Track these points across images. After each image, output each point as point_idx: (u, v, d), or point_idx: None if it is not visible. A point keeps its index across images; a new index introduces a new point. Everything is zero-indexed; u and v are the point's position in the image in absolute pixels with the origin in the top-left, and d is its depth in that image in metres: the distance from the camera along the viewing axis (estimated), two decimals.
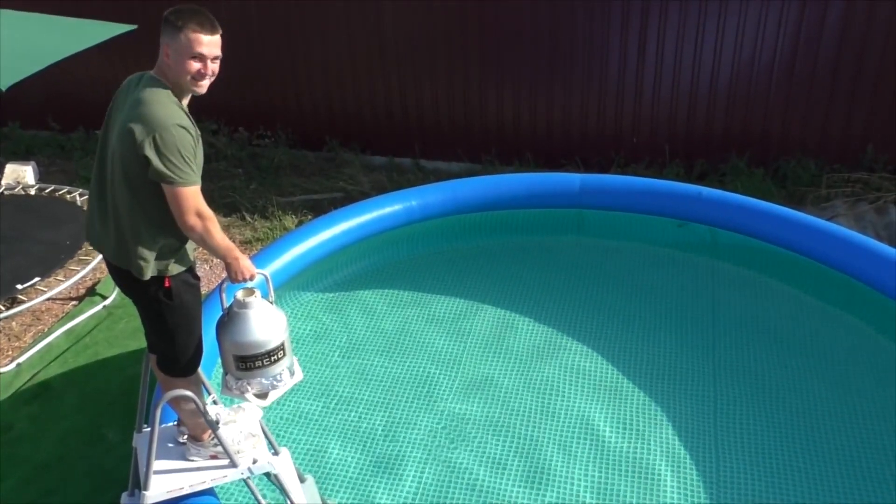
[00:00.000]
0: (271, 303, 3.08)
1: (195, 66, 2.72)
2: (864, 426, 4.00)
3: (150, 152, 2.61)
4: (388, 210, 5.42)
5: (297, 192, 7.13)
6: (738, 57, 6.51)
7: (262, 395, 3.08)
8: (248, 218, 6.69)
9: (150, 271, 2.78)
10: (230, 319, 2.99)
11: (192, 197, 2.69)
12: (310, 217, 6.54)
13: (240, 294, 3.02)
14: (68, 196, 6.36)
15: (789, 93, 6.56)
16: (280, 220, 6.61)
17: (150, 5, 7.48)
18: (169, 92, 2.73)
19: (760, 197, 5.59)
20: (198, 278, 2.99)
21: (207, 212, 2.73)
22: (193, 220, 2.70)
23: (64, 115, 8.35)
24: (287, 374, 3.10)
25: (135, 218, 2.74)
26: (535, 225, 5.77)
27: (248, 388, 3.03)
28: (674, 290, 5.14)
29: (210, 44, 2.72)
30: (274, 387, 3.07)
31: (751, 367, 4.44)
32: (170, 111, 2.67)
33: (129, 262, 2.79)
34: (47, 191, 6.47)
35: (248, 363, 2.98)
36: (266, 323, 2.99)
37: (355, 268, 5.51)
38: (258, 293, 3.03)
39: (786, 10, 6.24)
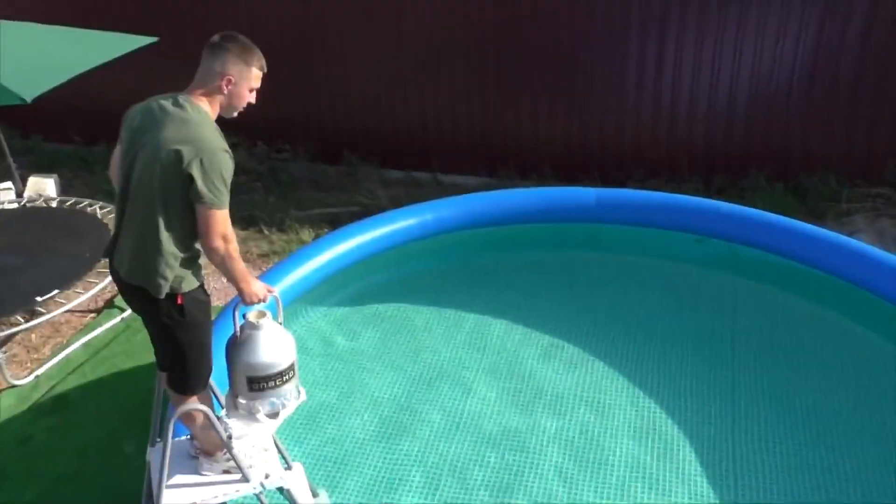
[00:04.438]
0: (280, 324, 3.11)
1: (253, 97, 2.97)
2: (885, 443, 3.93)
3: (196, 172, 2.70)
4: (402, 224, 5.43)
5: (315, 206, 7.16)
6: (756, 72, 6.48)
7: (273, 415, 3.10)
8: (266, 231, 6.73)
9: (166, 289, 2.81)
10: (242, 341, 3.02)
11: (223, 220, 2.79)
12: (326, 230, 6.56)
13: (251, 316, 3.05)
14: (89, 209, 6.41)
15: (809, 107, 6.51)
16: (297, 233, 6.65)
17: (174, 20, 7.59)
18: (210, 115, 2.87)
19: (780, 213, 5.54)
20: (208, 295, 3.01)
21: (232, 236, 2.84)
22: (219, 243, 2.79)
23: (86, 128, 8.45)
24: (294, 394, 3.13)
25: (163, 235, 2.78)
26: (551, 240, 5.75)
27: (259, 408, 3.06)
28: (693, 305, 5.10)
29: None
30: (283, 406, 3.09)
31: (770, 383, 4.38)
32: (216, 136, 2.81)
33: (147, 279, 2.81)
34: (68, 203, 6.53)
35: (260, 384, 3.01)
36: (278, 344, 3.03)
37: (369, 281, 5.51)
38: (269, 314, 3.07)
39: (805, 24, 6.20)
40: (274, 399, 3.05)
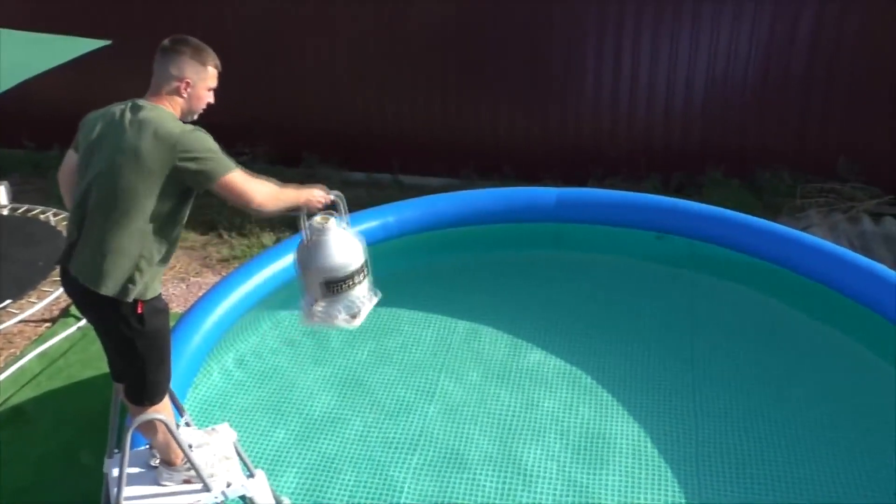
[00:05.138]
0: (345, 226, 3.14)
1: (211, 96, 2.98)
2: (842, 434, 4.00)
3: (183, 162, 2.70)
4: (364, 226, 5.39)
5: None
6: (712, 71, 6.58)
7: (353, 316, 3.12)
8: (226, 236, 6.66)
9: (134, 293, 2.76)
10: (313, 247, 3.04)
11: (242, 180, 2.81)
12: (288, 234, 6.51)
13: (317, 220, 3.07)
14: (42, 216, 6.30)
15: (763, 105, 6.63)
16: (258, 237, 6.58)
17: (127, 22, 7.48)
18: (173, 114, 2.87)
19: (738, 208, 5.62)
20: (166, 303, 2.96)
21: (261, 182, 2.86)
22: (261, 199, 2.83)
23: (38, 132, 8.28)
24: (369, 294, 3.17)
25: (135, 240, 2.74)
26: (512, 239, 5.77)
27: (339, 311, 3.07)
28: (653, 302, 5.15)
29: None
30: (361, 305, 3.12)
31: (731, 377, 4.44)
32: (179, 123, 2.81)
33: (114, 285, 2.73)
34: (20, 210, 6.41)
35: (339, 285, 3.04)
36: (348, 245, 3.07)
37: None
38: (333, 218, 3.09)
39: (757, 24, 6.32)
40: (351, 300, 3.08)
